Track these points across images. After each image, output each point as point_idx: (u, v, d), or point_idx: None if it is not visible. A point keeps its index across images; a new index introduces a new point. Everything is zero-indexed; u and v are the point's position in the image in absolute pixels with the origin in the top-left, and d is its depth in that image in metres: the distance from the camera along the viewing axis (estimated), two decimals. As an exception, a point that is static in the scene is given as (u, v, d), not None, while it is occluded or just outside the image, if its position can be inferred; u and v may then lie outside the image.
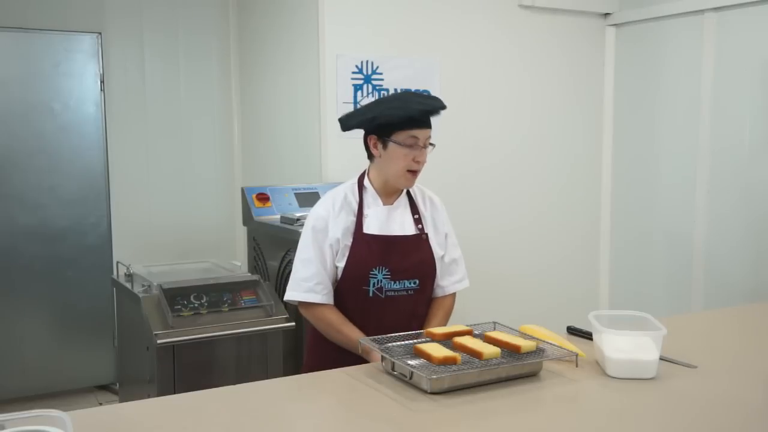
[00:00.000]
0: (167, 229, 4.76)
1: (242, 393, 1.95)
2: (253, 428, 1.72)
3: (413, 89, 4.03)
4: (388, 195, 2.40)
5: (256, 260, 3.76)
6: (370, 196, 2.39)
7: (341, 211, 2.36)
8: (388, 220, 2.37)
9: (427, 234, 2.41)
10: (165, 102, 4.75)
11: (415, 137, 2.26)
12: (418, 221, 2.41)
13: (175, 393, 2.19)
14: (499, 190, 4.36)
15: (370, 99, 3.93)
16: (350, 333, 2.30)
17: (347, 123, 2.39)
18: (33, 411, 1.50)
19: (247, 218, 3.70)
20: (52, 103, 4.39)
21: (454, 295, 2.52)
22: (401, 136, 2.26)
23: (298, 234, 3.23)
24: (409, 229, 2.39)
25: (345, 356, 2.28)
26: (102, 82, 4.50)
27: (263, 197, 3.68)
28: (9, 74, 4.28)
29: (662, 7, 4.27)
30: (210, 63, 4.87)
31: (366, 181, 2.41)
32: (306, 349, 2.55)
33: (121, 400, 3.72)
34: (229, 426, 1.73)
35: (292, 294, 2.38)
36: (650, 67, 4.42)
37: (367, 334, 2.25)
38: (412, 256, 2.36)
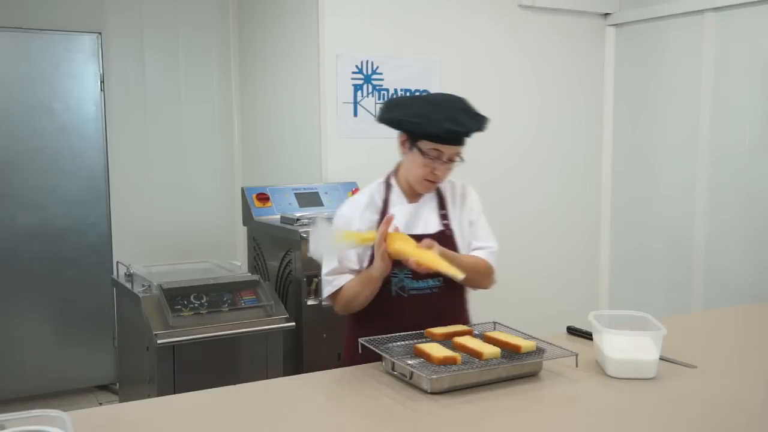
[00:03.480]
0: (167, 229, 4.76)
1: (242, 393, 1.95)
2: (253, 428, 1.72)
3: (413, 89, 4.04)
4: (415, 194, 2.34)
5: (256, 260, 3.76)
6: (396, 194, 2.34)
7: (366, 210, 2.32)
8: (412, 219, 2.32)
9: (452, 230, 2.35)
10: (165, 102, 4.75)
11: (439, 151, 2.20)
12: (444, 217, 2.35)
13: (175, 393, 2.20)
14: (498, 189, 4.36)
15: (370, 99, 3.94)
16: (362, 277, 2.23)
17: (381, 115, 2.30)
18: (33, 411, 1.51)
19: (247, 218, 3.70)
20: (52, 103, 4.38)
21: (483, 260, 2.36)
22: (426, 145, 2.20)
23: (298, 234, 3.26)
24: (433, 226, 2.33)
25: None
26: (102, 82, 4.50)
27: (263, 197, 3.68)
28: (9, 74, 4.28)
29: (662, 7, 4.27)
30: (210, 63, 4.87)
31: (393, 180, 2.36)
32: (344, 347, 2.47)
33: (121, 400, 3.72)
34: (229, 426, 1.73)
35: (323, 294, 2.35)
36: (650, 67, 4.42)
37: (393, 332, 2.19)
38: None
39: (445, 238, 2.32)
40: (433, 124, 2.16)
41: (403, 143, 2.27)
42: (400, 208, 2.32)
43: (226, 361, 3.09)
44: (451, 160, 2.23)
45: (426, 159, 2.20)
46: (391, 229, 2.19)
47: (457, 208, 2.39)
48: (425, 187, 2.28)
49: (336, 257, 2.28)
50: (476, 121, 2.23)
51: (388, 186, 2.37)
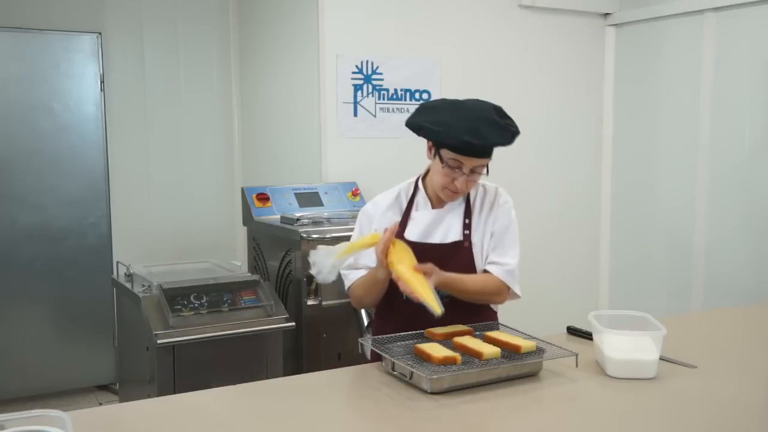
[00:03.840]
0: (167, 229, 4.76)
1: (242, 393, 1.95)
2: (253, 428, 1.72)
3: (413, 89, 4.04)
4: (440, 199, 2.27)
5: (256, 260, 3.76)
6: (422, 198, 2.30)
7: (388, 210, 2.30)
8: (432, 226, 2.26)
9: (471, 242, 2.27)
10: (165, 102, 4.75)
11: (460, 162, 2.12)
12: (466, 227, 2.27)
13: (175, 393, 2.19)
14: (499, 190, 4.36)
15: (370, 99, 3.94)
16: (368, 277, 2.22)
17: (408, 119, 2.22)
18: (33, 411, 1.51)
19: (247, 218, 3.70)
20: (51, 103, 4.38)
21: (494, 277, 2.26)
22: (447, 154, 2.12)
23: (298, 234, 3.26)
24: (452, 235, 2.26)
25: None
26: (102, 82, 4.49)
27: (263, 197, 3.68)
28: (9, 74, 4.28)
29: (662, 7, 4.27)
30: (210, 63, 4.87)
31: (420, 182, 2.32)
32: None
33: (121, 400, 3.72)
34: (229, 426, 1.73)
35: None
36: (650, 67, 4.42)
37: (409, 331, 2.18)
38: (448, 264, 2.18)
39: (462, 250, 2.26)
40: (452, 134, 2.07)
41: (429, 148, 2.21)
42: (422, 212, 2.28)
43: (226, 361, 3.09)
44: (474, 172, 2.15)
45: (447, 168, 2.14)
46: (412, 236, 2.17)
47: (483, 217, 2.30)
48: (447, 196, 2.21)
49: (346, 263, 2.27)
50: (500, 135, 2.12)
51: (416, 188, 2.32)
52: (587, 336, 2.34)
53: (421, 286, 2.02)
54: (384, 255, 2.07)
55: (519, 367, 1.99)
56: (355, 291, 2.30)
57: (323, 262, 2.10)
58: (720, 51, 4.01)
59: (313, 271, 2.12)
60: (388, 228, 2.12)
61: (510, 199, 2.38)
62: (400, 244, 2.11)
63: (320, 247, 2.14)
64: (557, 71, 4.51)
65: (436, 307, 1.98)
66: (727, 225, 4.03)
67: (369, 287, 2.25)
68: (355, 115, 3.91)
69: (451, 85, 4.10)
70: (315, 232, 3.26)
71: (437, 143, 2.15)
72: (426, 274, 2.06)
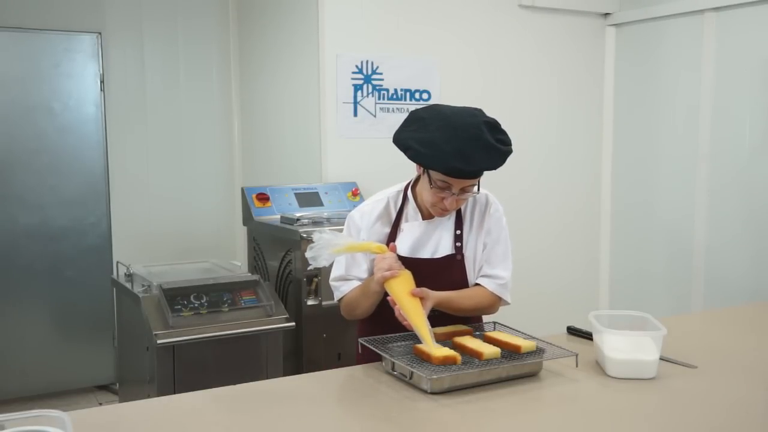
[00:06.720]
0: (167, 229, 4.76)
1: (242, 393, 1.95)
2: (253, 428, 1.72)
3: (413, 89, 4.04)
4: (430, 212, 2.21)
5: (256, 260, 3.76)
6: (411, 208, 2.24)
7: (377, 221, 2.24)
8: (423, 239, 2.21)
9: (463, 255, 2.23)
10: (165, 102, 4.75)
11: (448, 183, 2.05)
12: (458, 238, 2.23)
13: (175, 393, 2.19)
14: (498, 190, 4.34)
15: (370, 99, 3.93)
16: (362, 288, 2.19)
17: (396, 133, 2.13)
18: (33, 411, 1.51)
19: (247, 218, 3.70)
20: (52, 103, 4.38)
21: (486, 290, 2.25)
22: (436, 175, 2.05)
23: (298, 234, 3.27)
24: (443, 249, 2.22)
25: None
26: (102, 82, 4.49)
27: (263, 197, 3.68)
28: (9, 74, 4.28)
29: (662, 7, 4.28)
30: (210, 63, 4.87)
31: (410, 192, 2.26)
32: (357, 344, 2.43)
33: (121, 400, 3.72)
34: (229, 426, 1.73)
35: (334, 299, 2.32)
36: (650, 67, 4.42)
37: None
38: (440, 278, 2.17)
39: (454, 263, 2.23)
40: (440, 158, 1.99)
41: (418, 164, 2.15)
42: (412, 224, 2.23)
43: (226, 361, 3.09)
44: (463, 191, 2.09)
45: (435, 188, 2.08)
46: (402, 250, 2.13)
47: (475, 228, 2.26)
48: (436, 212, 2.16)
49: (343, 264, 2.24)
50: (490, 158, 2.02)
51: (405, 197, 2.26)
52: (587, 336, 2.35)
53: (417, 317, 2.02)
54: (385, 280, 2.06)
55: (519, 367, 1.99)
56: (347, 303, 2.25)
57: (322, 250, 2.07)
58: (720, 51, 4.01)
59: (308, 254, 2.09)
60: (392, 249, 2.10)
61: (501, 206, 2.33)
62: (401, 270, 2.08)
63: (325, 230, 2.11)
64: (557, 71, 4.51)
65: (430, 343, 1.98)
66: (727, 224, 4.03)
67: (361, 299, 2.20)
68: (355, 115, 3.91)
69: (451, 85, 4.11)
70: (315, 232, 3.26)
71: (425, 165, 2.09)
72: (422, 299, 2.05)
